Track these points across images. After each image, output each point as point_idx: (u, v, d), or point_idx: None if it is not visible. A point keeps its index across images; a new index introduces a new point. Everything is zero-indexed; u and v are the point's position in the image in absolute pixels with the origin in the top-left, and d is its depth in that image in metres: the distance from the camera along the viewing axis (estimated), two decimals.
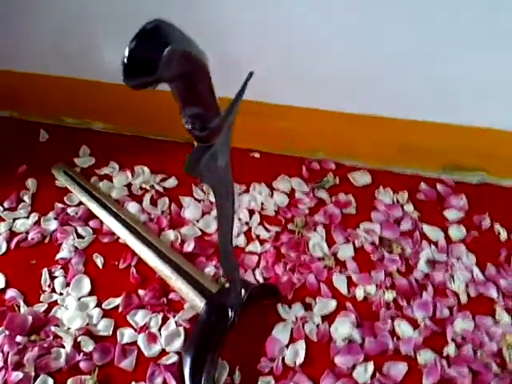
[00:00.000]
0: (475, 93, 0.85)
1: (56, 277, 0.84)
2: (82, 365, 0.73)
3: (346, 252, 0.88)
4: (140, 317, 0.79)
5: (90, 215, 0.93)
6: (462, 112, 0.89)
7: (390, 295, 0.81)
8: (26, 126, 1.14)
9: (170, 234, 0.90)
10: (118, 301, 0.81)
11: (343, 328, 0.77)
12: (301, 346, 0.75)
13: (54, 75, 1.03)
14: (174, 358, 0.74)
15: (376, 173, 1.01)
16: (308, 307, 0.80)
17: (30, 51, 1.01)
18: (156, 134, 1.09)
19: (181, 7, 0.82)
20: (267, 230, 0.91)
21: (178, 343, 0.76)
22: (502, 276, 0.84)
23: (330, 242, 0.89)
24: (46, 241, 0.90)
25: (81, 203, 0.95)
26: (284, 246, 0.88)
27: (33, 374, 0.72)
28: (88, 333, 0.77)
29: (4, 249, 0.88)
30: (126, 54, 0.28)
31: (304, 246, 0.88)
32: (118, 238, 0.89)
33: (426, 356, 0.74)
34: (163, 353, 0.75)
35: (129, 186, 1.00)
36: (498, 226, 0.91)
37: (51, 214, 0.94)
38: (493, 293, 0.82)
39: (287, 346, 0.75)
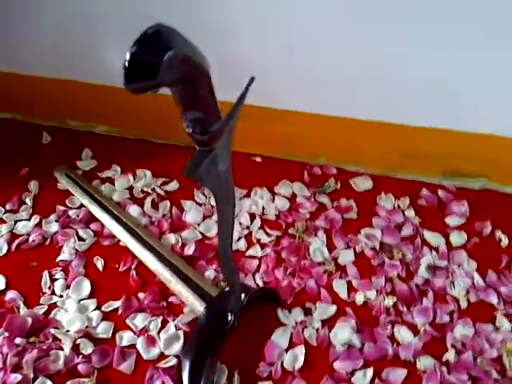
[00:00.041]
0: (477, 99, 0.85)
1: (56, 279, 0.84)
2: (81, 367, 0.73)
3: (346, 257, 0.88)
4: (139, 320, 0.79)
5: (91, 218, 0.93)
6: (464, 118, 0.89)
7: (390, 301, 0.81)
8: (29, 128, 1.14)
9: (171, 238, 0.90)
10: (117, 304, 0.81)
11: (343, 333, 0.77)
12: (300, 350, 0.75)
13: (57, 78, 1.04)
14: (173, 362, 0.74)
15: (377, 178, 1.01)
16: (308, 312, 0.80)
17: (33, 53, 1.02)
18: (158, 137, 1.10)
19: (184, 9, 0.82)
20: (268, 234, 0.91)
21: (177, 347, 0.75)
22: (503, 283, 0.83)
23: (331, 246, 0.89)
24: (47, 243, 0.90)
25: (82, 206, 0.96)
26: (284, 251, 0.88)
27: (31, 376, 0.72)
28: (87, 335, 0.76)
29: (5, 250, 0.89)
30: (127, 58, 0.29)
31: (304, 251, 0.88)
32: (119, 240, 0.89)
33: (425, 362, 0.74)
34: (162, 356, 0.75)
35: (130, 189, 1.00)
36: (499, 233, 0.91)
37: (52, 217, 0.94)
38: (493, 299, 0.81)
39: (286, 351, 0.75)
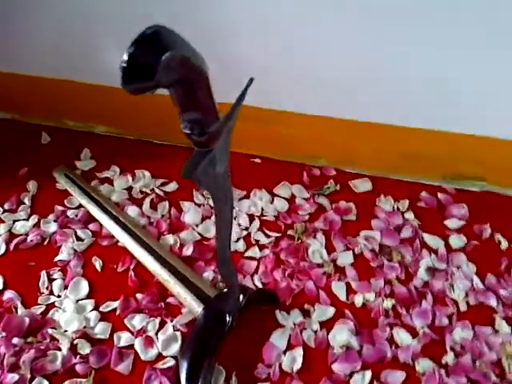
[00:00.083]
0: (478, 101, 0.85)
1: (54, 279, 0.84)
2: (78, 368, 0.73)
3: (345, 259, 0.87)
4: (137, 320, 0.79)
5: (89, 218, 0.93)
6: (463, 120, 0.89)
7: (389, 303, 0.81)
8: (28, 128, 1.14)
9: (170, 238, 0.90)
10: (115, 304, 0.80)
11: (341, 335, 0.77)
12: (298, 352, 0.75)
13: (56, 78, 1.04)
14: (171, 363, 0.73)
15: (377, 180, 1.01)
16: (306, 314, 0.80)
17: (32, 53, 1.01)
18: (158, 138, 1.10)
19: (184, 9, 0.82)
20: (267, 235, 0.91)
21: (174, 347, 0.75)
22: (502, 285, 0.83)
23: (330, 248, 0.89)
24: (45, 243, 0.90)
25: (81, 206, 0.95)
26: (283, 252, 0.88)
27: (29, 376, 0.72)
28: (85, 336, 0.76)
29: (3, 250, 0.89)
30: (125, 58, 0.28)
31: (303, 253, 0.88)
32: (117, 241, 0.89)
33: (424, 364, 0.73)
34: (160, 357, 0.75)
35: (129, 189, 1.00)
36: (498, 236, 0.91)
37: (51, 217, 0.94)
38: (492, 302, 0.81)
39: (285, 353, 0.75)
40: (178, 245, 0.89)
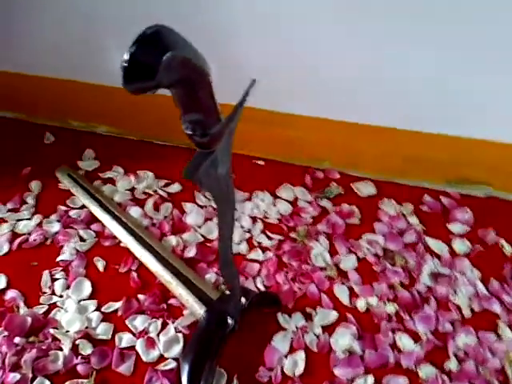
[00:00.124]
0: (483, 106, 0.84)
1: (57, 279, 0.84)
2: (80, 368, 0.73)
3: (348, 263, 0.87)
4: (139, 322, 0.78)
5: (92, 218, 0.93)
6: (469, 125, 0.88)
7: (391, 307, 0.80)
8: (32, 127, 1.15)
9: (172, 240, 0.90)
10: (117, 305, 0.80)
11: (344, 339, 0.76)
12: (300, 356, 0.74)
13: (60, 78, 1.04)
14: (172, 365, 0.73)
15: (380, 184, 1.00)
16: (308, 317, 0.79)
17: (36, 54, 1.02)
18: (161, 139, 1.10)
19: (186, 10, 0.82)
20: (269, 238, 0.91)
21: (176, 349, 0.75)
22: (506, 291, 0.82)
23: (333, 252, 0.89)
24: (48, 243, 0.90)
25: (84, 206, 0.96)
26: (286, 255, 0.88)
27: (30, 375, 0.71)
28: (86, 336, 0.76)
29: (6, 249, 0.89)
30: (126, 58, 0.28)
31: (306, 256, 0.87)
32: (120, 241, 0.89)
33: (427, 370, 0.73)
34: (161, 359, 0.74)
35: (132, 190, 1.00)
36: (502, 241, 0.90)
37: (54, 216, 0.94)
38: (496, 308, 0.80)
39: (286, 356, 0.75)
40: (181, 246, 0.89)
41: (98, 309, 0.80)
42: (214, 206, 0.95)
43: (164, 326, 0.78)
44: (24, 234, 0.91)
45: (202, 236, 0.91)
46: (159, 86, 0.30)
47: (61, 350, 0.74)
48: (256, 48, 0.86)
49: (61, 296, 0.82)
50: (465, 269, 0.86)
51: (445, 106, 0.85)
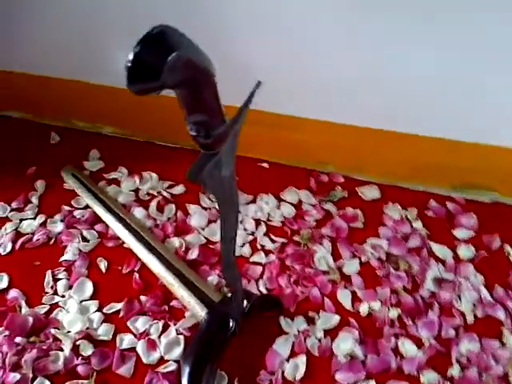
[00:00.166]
0: (489, 111, 0.84)
1: (59, 279, 0.84)
2: (80, 369, 0.72)
3: (351, 267, 0.86)
4: (141, 323, 0.78)
5: (96, 219, 0.93)
6: (475, 130, 0.88)
7: (394, 312, 0.80)
8: (38, 127, 1.15)
9: (175, 241, 0.90)
10: (119, 306, 0.80)
11: (346, 344, 0.76)
12: (301, 360, 0.74)
13: (66, 78, 1.05)
14: (173, 367, 0.73)
15: (385, 188, 1.00)
16: (310, 321, 0.79)
17: (42, 54, 1.02)
18: (166, 140, 1.10)
19: (190, 11, 0.82)
20: (273, 240, 0.90)
21: (177, 351, 0.75)
22: (511, 298, 0.82)
23: (336, 255, 0.88)
24: (51, 243, 0.90)
25: (88, 206, 0.96)
26: (289, 258, 0.87)
27: (30, 375, 0.71)
28: (87, 337, 0.76)
29: (9, 249, 0.89)
30: (130, 58, 0.28)
31: (309, 259, 0.87)
32: (123, 242, 0.89)
33: (429, 376, 0.72)
34: (162, 361, 0.74)
35: (136, 191, 1.00)
36: (507, 247, 0.89)
37: (58, 216, 0.94)
38: (500, 315, 0.80)
39: (288, 360, 0.74)
40: (184, 248, 0.89)
41: (99, 309, 0.80)
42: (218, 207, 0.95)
43: (165, 327, 0.78)
44: (27, 234, 0.91)
45: (205, 238, 0.91)
46: (163, 87, 0.30)
47: (61, 350, 0.74)
48: (263, 50, 0.86)
49: (63, 296, 0.82)
50: (469, 274, 0.85)
51: (450, 110, 0.85)
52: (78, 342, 0.75)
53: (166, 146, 1.10)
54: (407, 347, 0.75)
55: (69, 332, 0.76)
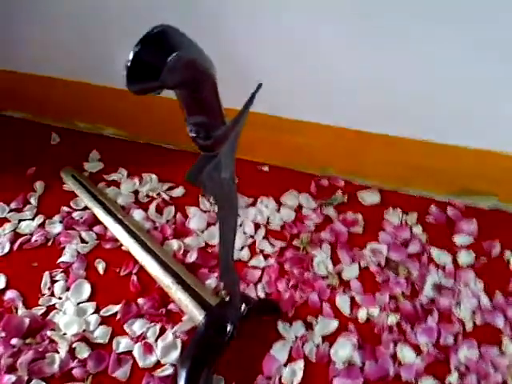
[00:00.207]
0: (490, 117, 0.84)
1: (57, 280, 0.84)
2: (76, 372, 0.72)
3: (350, 272, 0.86)
4: (137, 326, 0.78)
5: (94, 220, 0.93)
6: (476, 135, 0.87)
7: (393, 318, 0.79)
8: (38, 128, 1.15)
9: (174, 244, 0.89)
10: (116, 308, 0.80)
11: (344, 350, 0.75)
12: (299, 365, 0.73)
13: (67, 79, 1.04)
14: (170, 371, 0.72)
15: (385, 193, 0.99)
16: (309, 326, 0.78)
17: (44, 54, 1.02)
18: (166, 142, 1.10)
19: (192, 11, 0.82)
20: (272, 244, 0.90)
21: (174, 355, 0.74)
22: (510, 305, 0.81)
23: (335, 260, 0.88)
24: (50, 244, 0.90)
25: (87, 208, 0.95)
26: (288, 262, 0.87)
27: (26, 377, 0.71)
28: (84, 339, 0.76)
29: (7, 249, 0.88)
30: (130, 57, 0.28)
31: (308, 264, 0.87)
32: (121, 244, 0.89)
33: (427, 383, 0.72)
34: (158, 364, 0.74)
35: (136, 193, 1.00)
36: (508, 254, 0.89)
37: (56, 217, 0.94)
38: (500, 322, 0.79)
39: (285, 365, 0.74)
40: (182, 251, 0.88)
41: (96, 312, 0.80)
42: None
43: (162, 331, 0.77)
44: (26, 235, 0.91)
45: (204, 241, 0.91)
46: (163, 87, 0.29)
47: (57, 352, 0.74)
48: (257, 49, 0.85)
49: (60, 298, 0.82)
50: (469, 281, 0.85)
51: (451, 115, 0.85)
52: (74, 345, 0.75)
53: (166, 148, 1.09)
54: (406, 354, 0.75)
55: (65, 334, 0.76)
